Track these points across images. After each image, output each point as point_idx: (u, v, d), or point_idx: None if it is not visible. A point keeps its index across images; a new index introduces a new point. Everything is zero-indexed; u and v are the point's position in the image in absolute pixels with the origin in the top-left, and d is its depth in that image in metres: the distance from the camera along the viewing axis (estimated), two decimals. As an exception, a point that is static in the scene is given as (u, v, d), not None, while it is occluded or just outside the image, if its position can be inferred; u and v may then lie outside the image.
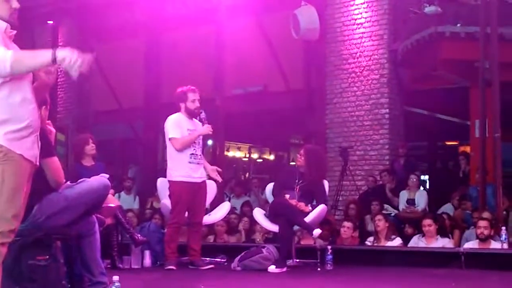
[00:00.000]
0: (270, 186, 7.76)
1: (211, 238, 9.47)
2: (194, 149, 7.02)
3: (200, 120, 7.11)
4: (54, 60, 3.22)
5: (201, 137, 7.16)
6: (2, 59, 3.17)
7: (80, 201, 4.00)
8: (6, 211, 3.22)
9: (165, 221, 9.69)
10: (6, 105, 3.26)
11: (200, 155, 7.10)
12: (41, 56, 3.28)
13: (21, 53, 3.31)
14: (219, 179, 7.38)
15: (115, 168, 14.93)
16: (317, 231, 6.83)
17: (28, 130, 3.33)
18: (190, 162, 6.99)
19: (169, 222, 7.34)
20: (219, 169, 7.41)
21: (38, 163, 3.45)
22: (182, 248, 7.18)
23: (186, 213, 7.10)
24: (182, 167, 7.00)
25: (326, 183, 7.58)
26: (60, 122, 14.93)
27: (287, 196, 7.09)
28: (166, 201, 7.50)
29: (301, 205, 7.05)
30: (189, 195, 6.97)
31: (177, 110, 7.12)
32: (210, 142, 11.55)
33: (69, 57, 3.21)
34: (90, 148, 6.93)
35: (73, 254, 4.25)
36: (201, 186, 7.08)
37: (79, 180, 4.20)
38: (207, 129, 7.05)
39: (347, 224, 8.56)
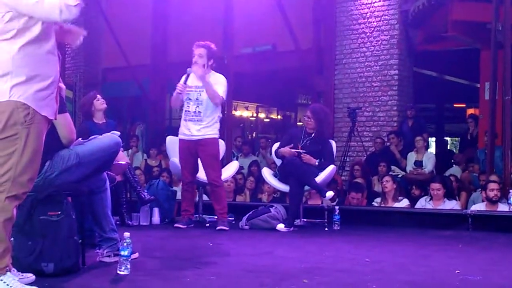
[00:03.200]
0: (276, 146, 7.75)
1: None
2: (188, 106, 6.87)
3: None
4: None
5: (201, 94, 6.81)
6: (78, 3, 3.14)
7: (91, 158, 4.00)
8: (23, 175, 3.19)
9: (173, 179, 9.77)
10: (36, 60, 3.22)
11: (197, 112, 6.81)
12: None
13: None
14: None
15: (123, 125, 14.97)
16: (330, 193, 6.86)
17: (53, 86, 3.30)
18: (184, 120, 6.93)
19: None
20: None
21: (55, 118, 3.44)
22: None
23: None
24: (181, 124, 7.00)
25: (334, 144, 7.58)
26: (68, 79, 14.94)
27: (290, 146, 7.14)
28: (174, 159, 7.52)
29: (307, 157, 7.06)
30: (184, 153, 6.92)
31: None
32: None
33: None
34: (100, 103, 6.81)
35: (84, 210, 4.28)
36: (199, 144, 6.82)
37: (91, 137, 4.21)
38: (177, 86, 6.82)
39: (355, 195, 8.55)
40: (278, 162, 7.54)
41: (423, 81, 12.86)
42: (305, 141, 7.25)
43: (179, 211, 7.59)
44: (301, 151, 7.11)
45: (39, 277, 3.61)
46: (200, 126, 6.83)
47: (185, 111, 6.90)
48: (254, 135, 17.80)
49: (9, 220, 3.18)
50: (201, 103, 6.84)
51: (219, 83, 6.90)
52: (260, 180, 9.46)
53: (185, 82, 6.84)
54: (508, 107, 8.43)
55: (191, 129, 6.84)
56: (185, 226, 6.86)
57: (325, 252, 5.21)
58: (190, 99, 6.87)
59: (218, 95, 6.82)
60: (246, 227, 6.93)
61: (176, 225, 6.95)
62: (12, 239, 3.36)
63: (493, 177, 8.17)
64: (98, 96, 6.92)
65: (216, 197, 6.95)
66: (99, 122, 6.77)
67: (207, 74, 6.87)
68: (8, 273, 3.21)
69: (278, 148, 7.45)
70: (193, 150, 6.88)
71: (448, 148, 18.38)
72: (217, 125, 6.93)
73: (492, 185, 7.52)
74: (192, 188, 7.14)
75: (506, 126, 8.43)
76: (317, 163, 7.12)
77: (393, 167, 10.11)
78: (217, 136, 6.94)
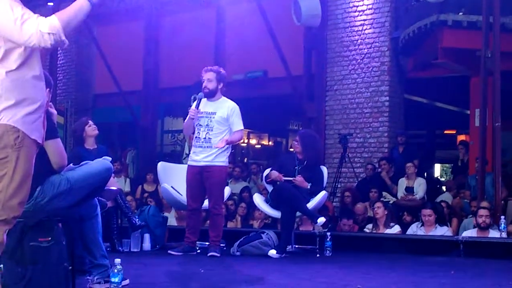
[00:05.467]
0: (267, 172, 7.74)
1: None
2: (198, 132, 6.79)
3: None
4: (91, 4, 3.18)
5: (212, 120, 6.74)
6: (56, 30, 3.05)
7: (82, 183, 3.99)
8: (13, 198, 3.15)
9: (164, 205, 9.74)
10: (24, 85, 3.18)
11: (207, 139, 6.72)
12: (82, 9, 3.17)
13: (66, 16, 3.12)
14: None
15: (114, 151, 14.94)
16: (321, 220, 6.82)
17: (40, 110, 3.26)
18: (194, 146, 6.85)
19: None
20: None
21: (43, 143, 3.41)
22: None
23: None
24: (191, 151, 6.93)
25: (325, 170, 7.58)
26: (60, 105, 14.93)
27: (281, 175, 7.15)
28: (165, 185, 7.50)
29: (298, 179, 7.06)
30: (191, 179, 6.82)
31: None
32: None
33: None
34: (92, 129, 6.80)
35: (74, 236, 4.25)
36: (206, 170, 6.73)
37: (82, 163, 4.20)
38: (189, 112, 6.79)
39: (347, 222, 8.57)
40: (269, 188, 7.53)
41: (414, 107, 12.91)
42: (298, 168, 7.25)
43: (170, 238, 7.54)
44: (291, 178, 7.12)
45: (28, 304, 3.58)
46: (209, 153, 6.72)
47: (196, 137, 6.82)
48: (245, 161, 17.78)
49: None
50: (211, 130, 6.75)
51: (235, 115, 6.81)
52: (252, 206, 9.43)
53: (197, 107, 6.78)
54: (498, 134, 8.47)
55: (200, 156, 6.76)
56: (180, 254, 6.74)
57: (317, 279, 5.19)
58: (200, 125, 6.78)
59: (240, 134, 6.86)
60: (238, 253, 6.90)
61: (169, 251, 6.85)
62: (1, 265, 3.32)
63: (484, 204, 8.17)
64: (90, 122, 6.92)
65: (213, 225, 6.85)
66: (90, 147, 6.76)
67: (218, 99, 6.82)
68: (-3, 300, 3.18)
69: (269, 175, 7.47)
70: (200, 176, 6.77)
71: (437, 175, 18.44)
72: (227, 153, 6.81)
73: (482, 212, 7.53)
74: (196, 216, 6.94)
75: (497, 153, 8.46)
76: (309, 187, 7.12)
77: (384, 193, 10.11)
78: (225, 164, 6.83)
